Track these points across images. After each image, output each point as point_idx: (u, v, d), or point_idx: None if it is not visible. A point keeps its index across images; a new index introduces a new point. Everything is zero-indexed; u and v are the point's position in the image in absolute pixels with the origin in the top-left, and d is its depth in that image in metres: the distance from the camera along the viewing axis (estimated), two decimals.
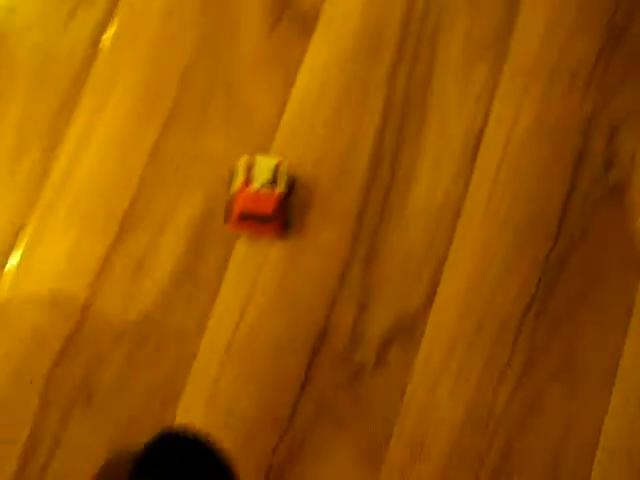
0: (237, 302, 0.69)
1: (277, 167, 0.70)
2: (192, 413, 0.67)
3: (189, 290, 0.68)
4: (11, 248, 0.70)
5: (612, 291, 0.72)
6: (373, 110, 0.74)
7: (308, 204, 0.72)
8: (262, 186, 0.69)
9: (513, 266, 0.71)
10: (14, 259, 0.69)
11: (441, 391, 0.68)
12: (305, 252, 0.71)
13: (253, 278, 0.70)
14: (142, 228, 0.70)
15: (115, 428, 0.67)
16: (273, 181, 0.70)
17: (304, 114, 0.73)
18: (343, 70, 0.74)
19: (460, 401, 0.67)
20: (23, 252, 0.69)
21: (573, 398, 0.69)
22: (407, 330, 0.69)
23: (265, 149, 0.72)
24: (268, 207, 0.69)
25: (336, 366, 0.68)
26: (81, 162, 0.71)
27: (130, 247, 0.69)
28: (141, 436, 0.66)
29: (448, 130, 0.74)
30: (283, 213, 0.70)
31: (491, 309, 0.70)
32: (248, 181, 0.69)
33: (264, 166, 0.70)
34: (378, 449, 0.67)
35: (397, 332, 0.69)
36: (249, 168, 0.70)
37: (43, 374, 0.67)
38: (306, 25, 0.74)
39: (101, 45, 0.73)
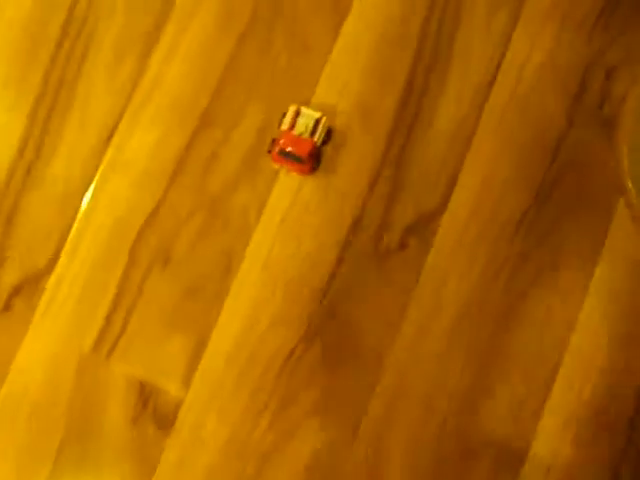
0: (290, 190, 0.86)
1: (318, 120, 0.85)
2: (248, 280, 0.85)
3: (252, 177, 0.85)
4: (109, 139, 0.87)
5: (595, 208, 0.87)
6: (406, 52, 0.88)
7: (344, 135, 0.87)
8: (302, 134, 0.85)
9: (515, 180, 0.86)
10: (111, 148, 0.86)
11: (453, 272, 0.84)
12: (344, 163, 0.87)
13: (300, 177, 0.86)
14: (216, 125, 0.86)
15: (184, 287, 0.85)
16: (313, 131, 0.85)
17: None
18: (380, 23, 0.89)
19: (466, 282, 0.85)
20: (119, 142, 0.86)
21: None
22: (425, 223, 0.85)
23: (311, 93, 0.88)
24: (304, 151, 0.84)
25: (366, 245, 0.85)
26: (168, 70, 0.87)
27: (206, 140, 0.86)
28: (205, 295, 0.84)
29: (471, 67, 0.88)
30: (315, 158, 0.86)
31: (495, 214, 0.86)
32: (293, 126, 0.85)
33: (308, 117, 0.85)
34: (398, 314, 0.84)
35: (417, 224, 0.85)
36: (296, 115, 0.85)
37: (132, 238, 0.85)
38: None
39: None
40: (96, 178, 0.86)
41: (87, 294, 0.85)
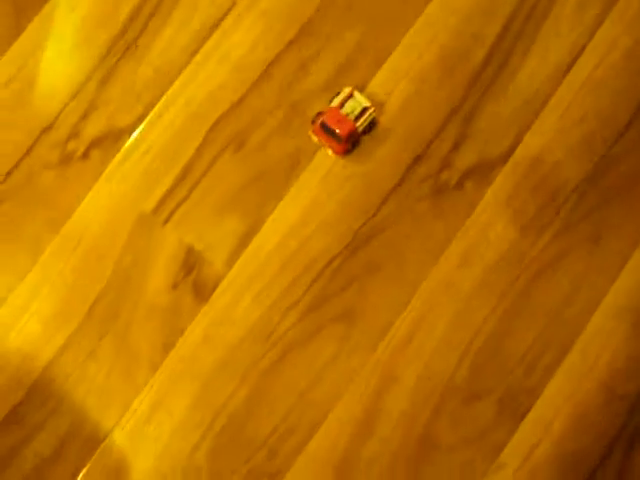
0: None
1: (366, 109, 0.88)
2: (309, 184, 0.90)
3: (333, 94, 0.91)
4: (213, 28, 0.94)
5: None
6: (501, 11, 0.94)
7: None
8: (347, 115, 0.88)
9: (576, 151, 0.90)
10: (215, 36, 0.93)
11: (500, 220, 0.89)
12: (419, 104, 0.92)
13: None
14: (314, 38, 0.92)
15: (250, 174, 0.90)
16: (358, 117, 0.88)
17: None
18: None
19: (511, 231, 0.89)
20: (222, 33, 0.93)
21: None
22: (484, 170, 0.90)
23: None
24: (344, 131, 0.87)
25: (424, 180, 0.90)
26: None
27: (300, 50, 0.92)
28: (267, 186, 0.90)
29: (559, 39, 0.93)
30: (351, 141, 0.89)
31: (550, 178, 0.90)
32: (342, 105, 0.88)
33: (358, 102, 0.89)
34: (441, 246, 0.89)
35: (477, 169, 0.90)
36: (348, 97, 0.89)
37: (213, 119, 0.91)
38: None
39: None
40: (195, 59, 0.93)
41: (160, 160, 0.91)
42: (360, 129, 0.89)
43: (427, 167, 0.90)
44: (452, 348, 0.87)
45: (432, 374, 0.87)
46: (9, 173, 0.92)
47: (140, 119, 0.91)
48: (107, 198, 0.90)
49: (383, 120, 0.91)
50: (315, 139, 0.90)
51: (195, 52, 0.93)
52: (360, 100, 0.89)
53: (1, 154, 0.92)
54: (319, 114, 0.89)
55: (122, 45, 0.93)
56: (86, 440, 0.87)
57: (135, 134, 0.91)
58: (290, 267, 0.89)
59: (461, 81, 0.91)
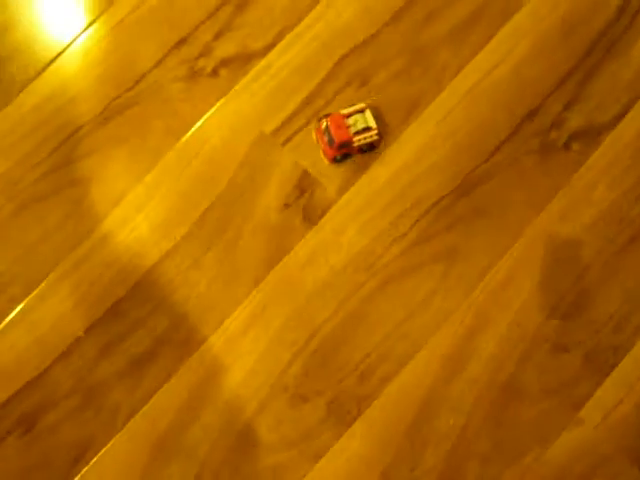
0: (484, 68, 0.96)
1: (369, 129, 0.90)
2: (424, 127, 0.94)
3: (460, 43, 0.96)
4: None
5: None
6: None
7: None
8: (349, 126, 0.90)
9: None
10: None
11: (603, 183, 0.92)
12: (542, 63, 0.96)
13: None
14: None
15: None
16: (359, 132, 0.90)
17: None
18: None
19: (613, 193, 0.92)
20: None
21: None
22: (592, 134, 0.94)
23: None
24: (339, 138, 0.88)
25: (534, 135, 0.93)
26: None
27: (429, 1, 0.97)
28: (384, 129, 0.93)
29: None
30: (342, 152, 0.91)
31: None
32: (349, 116, 0.90)
33: (365, 120, 0.90)
34: (544, 201, 0.92)
35: (587, 131, 0.94)
36: (359, 111, 0.90)
37: (340, 55, 0.95)
38: None
39: None
40: None
41: (285, 86, 0.94)
42: (357, 144, 0.91)
43: (539, 123, 0.94)
44: (544, 299, 0.90)
45: (523, 322, 0.90)
46: (138, 81, 0.95)
47: (271, 45, 0.95)
48: (230, 115, 0.94)
49: (503, 70, 0.95)
50: (314, 137, 0.93)
51: None
52: (368, 119, 0.91)
53: (133, 62, 0.96)
54: (325, 115, 0.92)
55: None
56: (181, 344, 0.89)
57: (265, 58, 0.95)
58: (399, 202, 0.92)
59: (581, 43, 0.96)
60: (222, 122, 0.93)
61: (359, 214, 0.91)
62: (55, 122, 0.95)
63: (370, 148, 0.93)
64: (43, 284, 0.91)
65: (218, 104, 0.94)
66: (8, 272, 0.91)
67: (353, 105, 0.92)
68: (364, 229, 0.91)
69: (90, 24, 0.98)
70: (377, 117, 0.92)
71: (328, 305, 0.90)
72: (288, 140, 0.93)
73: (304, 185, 0.92)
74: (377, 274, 0.90)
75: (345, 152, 0.92)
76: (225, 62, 0.95)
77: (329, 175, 0.92)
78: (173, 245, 0.91)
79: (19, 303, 0.91)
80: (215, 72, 0.95)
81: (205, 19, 0.96)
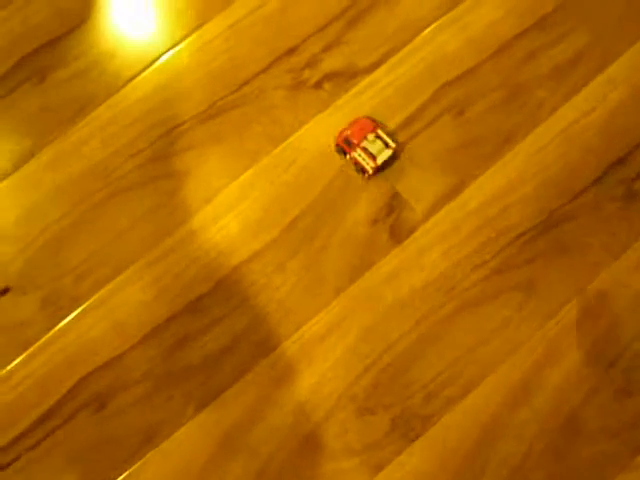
0: (582, 109, 0.98)
1: (374, 156, 0.94)
2: (519, 158, 0.96)
3: (558, 82, 0.98)
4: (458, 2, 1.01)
5: None
6: None
7: None
8: (365, 146, 0.94)
9: None
10: (456, 11, 1.01)
11: None
12: None
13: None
14: (548, 30, 1.00)
15: (467, 139, 0.96)
16: (368, 152, 0.94)
17: None
18: None
19: None
20: (465, 8, 1.00)
21: None
22: None
23: None
24: (355, 137, 0.94)
25: (619, 183, 0.96)
26: None
27: (532, 39, 0.99)
28: (482, 152, 0.95)
29: None
30: (342, 148, 0.95)
31: None
32: (366, 136, 0.94)
33: (377, 147, 0.94)
34: (623, 247, 0.94)
35: None
36: (377, 136, 0.94)
37: (440, 82, 0.98)
38: None
39: None
40: (439, 22, 1.00)
41: (385, 107, 0.97)
42: (355, 154, 0.94)
43: (625, 171, 0.96)
44: (615, 341, 0.92)
45: (592, 361, 0.92)
46: (243, 84, 0.98)
47: (377, 64, 0.98)
48: (329, 128, 0.96)
49: (597, 115, 0.97)
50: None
51: (440, 16, 1.00)
52: (382, 153, 0.94)
53: (241, 65, 0.98)
54: (344, 134, 0.95)
55: None
56: (258, 344, 0.91)
57: (370, 76, 0.98)
58: (484, 230, 0.94)
59: None
60: (321, 134, 0.96)
61: (444, 238, 0.94)
62: (158, 115, 0.98)
63: (357, 168, 0.95)
64: (128, 270, 0.94)
65: (319, 116, 0.97)
66: (97, 254, 0.94)
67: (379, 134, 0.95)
68: (447, 253, 0.93)
69: (203, 23, 1.01)
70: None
71: (405, 322, 0.92)
72: None
73: (394, 204, 0.94)
74: (455, 298, 0.92)
75: (342, 147, 0.95)
76: (330, 76, 0.98)
77: (419, 197, 0.94)
78: (260, 247, 0.93)
79: (104, 286, 0.93)
80: (319, 85, 0.97)
81: (316, 31, 0.99)
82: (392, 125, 0.96)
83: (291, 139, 0.96)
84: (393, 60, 0.99)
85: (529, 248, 0.94)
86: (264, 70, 0.98)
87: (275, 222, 0.94)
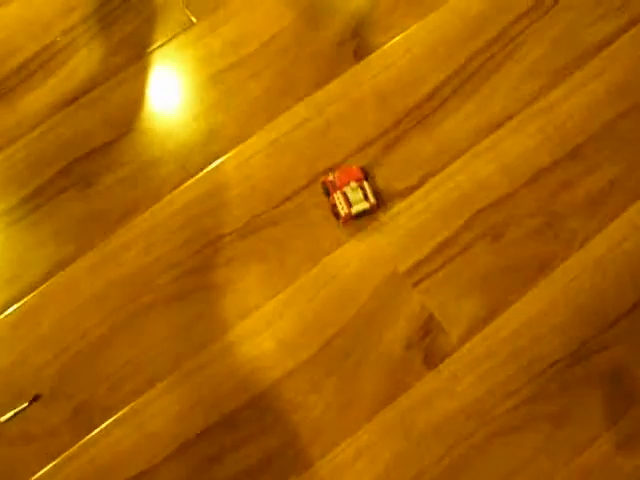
0: (615, 238, 1.00)
1: (351, 205, 0.98)
2: (552, 287, 0.98)
3: (592, 214, 1.01)
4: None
5: None
6: None
7: None
8: (346, 192, 0.98)
9: None
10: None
11: None
12: None
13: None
14: (579, 161, 1.03)
15: (504, 264, 0.98)
16: (346, 198, 0.98)
17: None
18: None
19: None
20: (498, 138, 1.03)
21: None
22: None
23: None
24: (340, 181, 0.99)
25: None
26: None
27: (566, 170, 1.02)
28: (519, 277, 0.97)
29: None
30: (326, 191, 1.00)
31: None
32: (349, 183, 0.98)
33: (357, 198, 0.98)
34: None
35: None
36: (361, 188, 0.98)
37: (475, 209, 1.00)
38: None
39: None
40: (474, 149, 1.03)
41: (422, 230, 0.99)
42: (335, 198, 0.98)
43: None
44: None
45: None
46: (285, 200, 1.00)
47: (413, 188, 1.00)
48: (367, 249, 0.98)
49: (631, 245, 0.99)
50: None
51: (477, 142, 1.03)
52: (358, 204, 0.98)
53: (281, 181, 1.01)
54: (330, 180, 1.00)
55: (416, 116, 1.04)
56: (289, 464, 0.91)
57: (407, 198, 1.00)
58: (517, 358, 0.95)
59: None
60: (359, 254, 0.98)
61: (478, 364, 0.94)
62: (199, 227, 1.00)
63: (333, 210, 0.99)
64: (163, 382, 0.94)
65: (358, 236, 0.99)
66: (131, 364, 0.95)
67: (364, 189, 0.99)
68: (480, 379, 0.94)
69: (246, 137, 1.03)
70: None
71: (436, 450, 0.92)
72: (419, 282, 0.97)
73: (429, 327, 0.95)
74: (487, 425, 0.93)
75: (327, 187, 0.99)
76: None
77: (454, 321, 0.96)
78: (296, 365, 0.94)
79: (137, 396, 0.94)
80: None
81: (355, 152, 1.02)
82: (427, 249, 0.98)
83: (329, 258, 0.98)
84: (429, 184, 1.01)
85: (561, 378, 0.94)
86: (305, 187, 1.01)
87: (312, 340, 0.95)
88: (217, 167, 1.03)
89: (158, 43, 1.10)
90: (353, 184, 0.98)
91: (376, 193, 1.00)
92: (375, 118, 1.04)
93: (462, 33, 1.09)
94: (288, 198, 1.01)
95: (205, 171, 1.03)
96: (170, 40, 1.10)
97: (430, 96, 1.05)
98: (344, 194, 0.99)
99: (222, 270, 0.98)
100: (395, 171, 1.02)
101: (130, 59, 1.08)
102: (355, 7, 1.11)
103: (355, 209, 0.98)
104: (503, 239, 0.99)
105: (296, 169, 1.02)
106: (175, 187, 1.02)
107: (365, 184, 0.99)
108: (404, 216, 1.00)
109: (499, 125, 1.04)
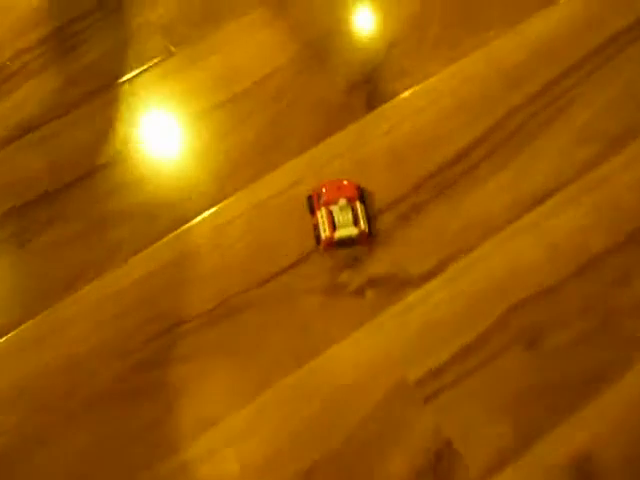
0: None
1: (334, 228, 0.80)
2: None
3: None
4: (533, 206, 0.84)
5: None
6: None
7: None
8: (333, 210, 0.80)
9: None
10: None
11: None
12: None
13: None
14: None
15: (540, 380, 0.76)
16: (331, 220, 0.80)
17: None
18: None
19: None
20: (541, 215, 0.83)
21: None
22: None
23: None
24: (328, 196, 0.80)
25: None
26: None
27: (627, 258, 0.81)
28: (554, 403, 0.75)
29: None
30: (311, 206, 0.82)
31: None
32: (337, 201, 0.80)
33: (346, 222, 0.80)
34: None
35: None
36: (353, 210, 0.80)
37: (509, 303, 0.79)
38: None
39: None
40: (512, 226, 0.82)
41: (441, 327, 0.77)
42: (320, 217, 0.80)
43: None
44: None
45: None
46: (268, 279, 0.79)
47: (432, 273, 0.79)
48: (369, 348, 0.76)
49: None
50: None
51: (513, 218, 0.82)
52: (348, 225, 0.80)
53: (265, 255, 0.80)
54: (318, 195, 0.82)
55: (438, 183, 0.84)
56: None
57: (421, 288, 0.79)
58: None
59: None
60: (358, 354, 0.76)
61: None
62: (159, 306, 0.79)
63: (315, 232, 0.81)
64: None
65: (356, 333, 0.77)
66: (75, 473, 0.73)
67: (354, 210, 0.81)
68: None
69: (223, 198, 0.83)
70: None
71: None
72: (433, 397, 0.75)
73: (443, 457, 0.73)
74: None
75: (312, 202, 0.82)
76: (374, 282, 0.79)
77: (475, 453, 0.73)
78: None
79: None
80: (360, 291, 0.78)
81: None
82: (445, 354, 0.77)
83: (319, 360, 0.76)
84: (452, 269, 0.80)
85: None
86: (294, 265, 0.80)
87: (285, 470, 0.73)
88: (187, 231, 0.82)
89: (128, 75, 0.91)
90: (342, 202, 0.79)
91: (370, 216, 0.81)
92: (386, 183, 0.84)
93: (499, 84, 0.89)
94: (272, 277, 0.79)
95: (172, 235, 0.82)
96: (144, 71, 0.91)
97: (457, 159, 0.85)
98: (330, 213, 0.79)
99: (181, 366, 0.76)
100: (409, 251, 0.81)
101: (93, 91, 0.89)
102: (370, 45, 0.92)
103: (339, 234, 0.79)
104: (543, 345, 0.77)
105: (283, 240, 0.81)
106: (133, 253, 0.81)
107: (358, 205, 0.80)
108: (418, 310, 0.78)
109: (542, 199, 0.83)
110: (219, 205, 0.83)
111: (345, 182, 0.81)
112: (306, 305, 0.78)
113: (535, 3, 0.93)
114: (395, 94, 0.88)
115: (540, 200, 0.83)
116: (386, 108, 0.88)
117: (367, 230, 0.80)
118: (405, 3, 0.95)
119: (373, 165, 0.85)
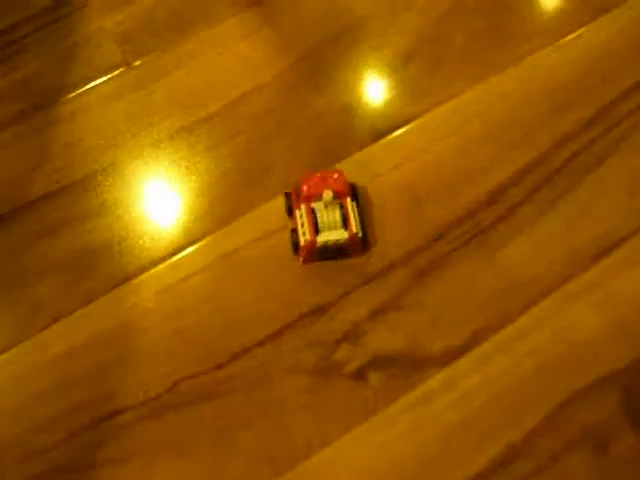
0: None
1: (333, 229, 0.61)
2: None
3: None
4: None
5: None
6: None
7: None
8: (317, 207, 0.61)
9: None
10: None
11: None
12: None
13: None
14: None
15: None
16: (314, 221, 0.61)
17: None
18: None
19: None
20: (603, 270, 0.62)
21: None
22: None
23: None
24: (310, 191, 0.61)
25: None
26: None
27: None
28: None
29: None
30: (288, 206, 0.64)
31: None
32: (321, 198, 0.61)
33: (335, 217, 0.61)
34: None
35: None
36: (341, 208, 0.61)
37: (568, 390, 0.57)
38: None
39: None
40: (565, 287, 0.62)
41: (472, 424, 0.56)
42: (298, 220, 0.62)
43: None
44: None
45: None
46: (238, 355, 0.58)
47: (458, 351, 0.58)
48: (372, 454, 0.55)
49: None
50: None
51: (564, 280, 0.61)
52: (335, 229, 0.61)
53: (237, 323, 0.59)
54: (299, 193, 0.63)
55: (467, 230, 0.64)
56: None
57: (443, 371, 0.58)
58: None
59: None
60: (358, 463, 0.55)
61: None
62: (89, 389, 0.58)
63: (292, 238, 0.62)
64: None
65: (358, 429, 0.56)
66: None
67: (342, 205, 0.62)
68: None
69: (185, 246, 0.64)
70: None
71: None
72: None
73: None
74: None
75: (291, 200, 0.64)
76: (379, 361, 0.58)
77: None
78: None
79: None
80: (361, 374, 0.57)
81: (362, 284, 0.61)
82: (482, 459, 0.55)
83: (304, 467, 0.55)
84: (488, 345, 0.59)
85: None
86: (273, 336, 0.59)
87: None
88: (129, 291, 0.62)
89: (74, 91, 0.72)
90: (328, 196, 0.60)
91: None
92: (398, 229, 0.64)
93: (539, 108, 0.71)
94: (243, 352, 0.59)
95: (108, 296, 0.62)
96: (93, 87, 0.73)
97: (490, 200, 0.65)
98: (312, 211, 0.61)
99: (111, 471, 0.55)
100: (430, 320, 0.60)
101: (26, 110, 0.71)
102: (379, 59, 0.74)
103: (322, 238, 0.60)
104: (614, 449, 0.56)
105: (260, 302, 0.61)
106: (57, 318, 0.61)
107: (349, 202, 0.62)
108: (442, 400, 0.57)
109: (604, 252, 0.63)
110: (174, 258, 0.63)
111: (335, 175, 0.62)
112: (287, 391, 0.57)
113: (583, 12, 0.76)
114: (409, 119, 0.70)
115: (601, 254, 0.63)
116: (398, 136, 0.69)
117: (360, 234, 0.61)
118: (424, 8, 0.77)
119: (382, 207, 0.65)
